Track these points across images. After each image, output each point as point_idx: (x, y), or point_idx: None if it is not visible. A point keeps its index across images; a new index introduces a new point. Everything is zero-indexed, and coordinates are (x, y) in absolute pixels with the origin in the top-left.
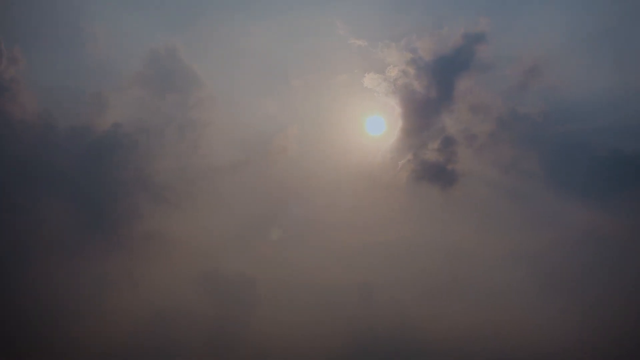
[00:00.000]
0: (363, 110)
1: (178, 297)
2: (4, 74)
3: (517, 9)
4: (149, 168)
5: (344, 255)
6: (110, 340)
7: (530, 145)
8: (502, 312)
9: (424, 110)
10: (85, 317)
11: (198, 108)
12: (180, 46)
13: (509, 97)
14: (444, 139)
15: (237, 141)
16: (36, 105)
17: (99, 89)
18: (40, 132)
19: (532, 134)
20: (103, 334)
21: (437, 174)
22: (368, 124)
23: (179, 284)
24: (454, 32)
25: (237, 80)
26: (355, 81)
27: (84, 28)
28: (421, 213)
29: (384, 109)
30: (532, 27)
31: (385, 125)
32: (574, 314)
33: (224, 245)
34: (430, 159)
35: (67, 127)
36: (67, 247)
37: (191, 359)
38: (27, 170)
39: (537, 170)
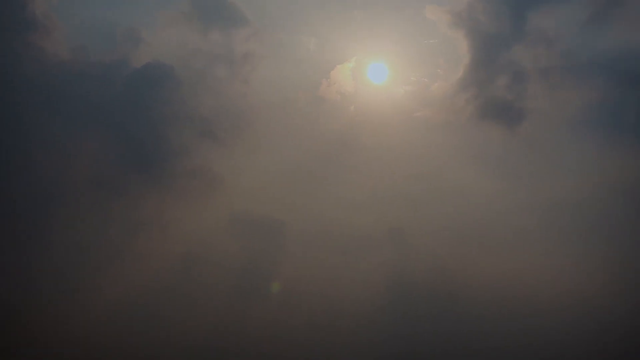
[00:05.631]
0: (424, 46)
1: (207, 239)
2: (37, 9)
3: None
4: (192, 103)
5: (377, 200)
6: (136, 284)
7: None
8: (537, 259)
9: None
10: (114, 260)
11: (245, 43)
12: None
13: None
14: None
15: (287, 78)
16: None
17: (138, 24)
18: (75, 68)
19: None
20: (130, 277)
21: (498, 113)
22: (427, 59)
23: (209, 225)
24: None
25: (291, 13)
26: (418, 13)
27: None
28: (458, 156)
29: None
30: None
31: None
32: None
33: (260, 187)
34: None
35: (102, 62)
36: (102, 185)
37: (219, 302)
38: (63, 106)
39: (601, 115)
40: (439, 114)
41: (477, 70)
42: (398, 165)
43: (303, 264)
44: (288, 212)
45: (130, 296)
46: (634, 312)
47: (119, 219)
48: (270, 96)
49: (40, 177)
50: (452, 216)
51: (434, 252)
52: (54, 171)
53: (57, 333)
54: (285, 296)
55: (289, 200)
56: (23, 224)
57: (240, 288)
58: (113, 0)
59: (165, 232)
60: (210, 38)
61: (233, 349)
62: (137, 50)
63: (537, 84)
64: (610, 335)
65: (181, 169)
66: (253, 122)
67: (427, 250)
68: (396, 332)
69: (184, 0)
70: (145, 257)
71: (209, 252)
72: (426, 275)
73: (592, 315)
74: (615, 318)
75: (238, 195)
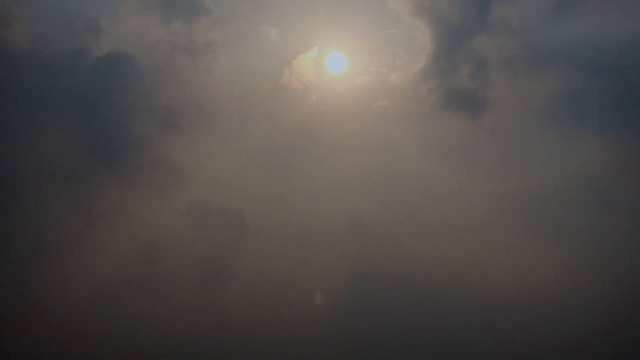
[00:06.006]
0: (386, 36)
1: (169, 229)
2: None
3: None
4: (154, 93)
5: (339, 190)
6: (99, 275)
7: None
8: (500, 250)
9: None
10: (74, 251)
11: (206, 33)
12: None
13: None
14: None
15: (249, 68)
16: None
17: (99, 14)
18: (35, 58)
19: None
20: (91, 268)
21: (461, 103)
22: (388, 49)
23: (170, 215)
24: None
25: (253, 3)
26: (381, 3)
27: None
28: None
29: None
30: None
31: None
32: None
33: (221, 177)
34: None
35: (63, 51)
36: (62, 175)
37: (181, 293)
38: (23, 96)
39: (564, 105)
40: (400, 104)
41: (440, 60)
42: (359, 155)
43: (264, 255)
44: (249, 202)
45: (91, 287)
46: (598, 301)
47: (80, 209)
48: (232, 86)
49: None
50: (414, 206)
51: (396, 242)
52: (13, 162)
53: (19, 326)
54: (246, 287)
55: (250, 190)
56: None
57: (201, 279)
58: None
59: (127, 223)
60: (172, 27)
61: (195, 339)
62: (98, 40)
63: (501, 74)
64: (573, 324)
65: (142, 159)
66: (215, 112)
67: (389, 240)
68: (358, 322)
69: None
70: (107, 247)
71: (170, 243)
72: (388, 265)
73: (555, 305)
74: (579, 308)
75: (200, 186)
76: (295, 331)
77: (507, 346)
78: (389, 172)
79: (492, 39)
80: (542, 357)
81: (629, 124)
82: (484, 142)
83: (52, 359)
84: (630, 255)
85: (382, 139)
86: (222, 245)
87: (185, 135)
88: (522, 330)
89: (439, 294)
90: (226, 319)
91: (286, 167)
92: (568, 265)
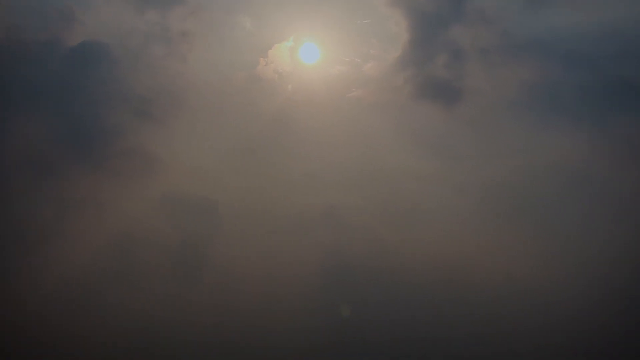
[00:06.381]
0: (362, 26)
1: (143, 219)
2: None
3: None
4: (128, 82)
5: (313, 179)
6: (72, 264)
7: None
8: (478, 240)
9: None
10: (48, 240)
11: (182, 22)
12: None
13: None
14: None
15: (224, 57)
16: (3, 20)
17: (72, 3)
18: (8, 47)
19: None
20: (65, 257)
21: (437, 93)
22: (365, 39)
23: (145, 205)
24: None
25: None
26: None
27: None
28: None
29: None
30: None
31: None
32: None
33: (196, 166)
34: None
35: (37, 41)
36: (36, 164)
37: (155, 284)
38: None
39: (540, 95)
40: (374, 94)
41: (415, 49)
42: (335, 145)
43: (239, 245)
44: (224, 192)
45: (65, 277)
46: (579, 292)
47: (54, 198)
48: (208, 75)
49: None
50: (390, 197)
51: (371, 232)
52: None
53: None
54: (221, 278)
55: (225, 180)
56: None
57: (175, 269)
58: None
59: (101, 212)
60: (147, 16)
61: (168, 330)
62: (72, 29)
63: (477, 63)
64: (544, 314)
65: (117, 149)
66: (190, 101)
67: (365, 230)
68: (333, 313)
69: None
70: (81, 237)
71: (144, 233)
72: (364, 256)
73: (536, 296)
74: (559, 299)
75: (174, 176)
76: (270, 322)
77: (487, 338)
78: (365, 163)
79: (468, 28)
80: (523, 348)
81: (606, 114)
82: (460, 132)
83: (24, 348)
84: (610, 244)
85: (358, 130)
86: (197, 236)
87: (160, 125)
88: (502, 321)
89: (415, 284)
90: (200, 310)
91: (262, 157)
92: (546, 255)
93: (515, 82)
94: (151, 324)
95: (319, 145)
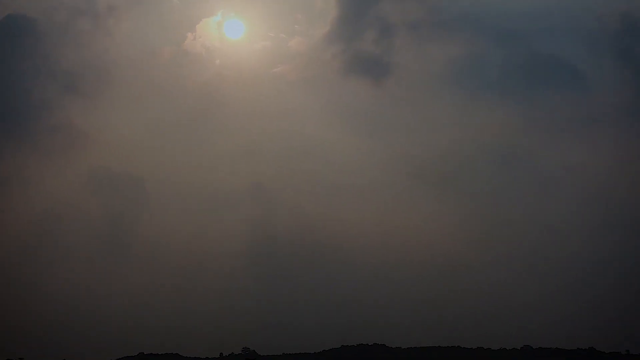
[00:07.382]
0: (290, 1)
1: (69, 196)
2: None
3: None
4: (55, 57)
5: (240, 155)
6: None
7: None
8: (404, 213)
9: None
10: None
11: None
12: None
13: None
14: None
15: (152, 31)
16: None
17: None
18: None
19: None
20: None
21: (365, 68)
22: (289, 13)
23: (70, 181)
24: None
25: None
26: None
27: None
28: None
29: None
30: None
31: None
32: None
33: (124, 142)
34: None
35: None
36: None
37: (81, 261)
38: None
39: (467, 71)
40: (300, 70)
41: (343, 25)
42: (261, 120)
43: (166, 221)
44: (152, 167)
45: None
46: (490, 264)
47: None
48: (135, 50)
49: None
50: (315, 172)
51: (297, 207)
52: None
53: None
54: (148, 254)
55: (153, 155)
56: None
57: (101, 246)
58: None
59: (26, 189)
60: None
61: (94, 307)
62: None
63: (405, 38)
64: (476, 288)
65: (43, 124)
66: (117, 76)
67: (291, 205)
68: (261, 287)
69: None
70: (5, 214)
71: (69, 210)
72: (290, 229)
73: (462, 267)
74: (472, 270)
75: (101, 151)
76: (199, 297)
77: (408, 305)
78: (291, 138)
79: (397, 3)
80: (450, 315)
81: (532, 89)
82: (388, 107)
83: None
84: (533, 215)
85: (284, 105)
86: (124, 212)
87: (86, 100)
88: (425, 290)
89: (339, 256)
90: (127, 287)
91: (188, 133)
92: (471, 225)
93: (444, 58)
94: (77, 301)
95: (247, 120)
